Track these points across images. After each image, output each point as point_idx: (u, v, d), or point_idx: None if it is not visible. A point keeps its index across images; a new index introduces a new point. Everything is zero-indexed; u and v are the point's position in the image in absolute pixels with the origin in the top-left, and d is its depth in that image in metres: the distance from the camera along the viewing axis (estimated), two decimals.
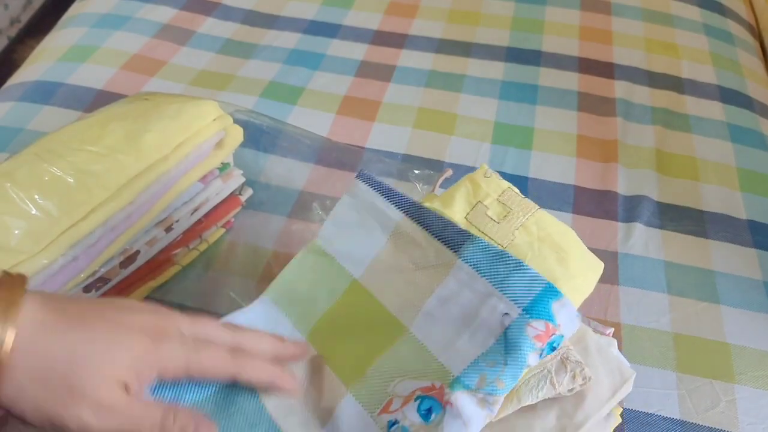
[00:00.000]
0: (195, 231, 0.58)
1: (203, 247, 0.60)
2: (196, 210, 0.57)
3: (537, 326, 0.31)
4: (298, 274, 0.39)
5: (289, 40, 0.86)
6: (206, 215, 0.59)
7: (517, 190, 0.42)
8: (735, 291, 0.60)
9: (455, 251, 0.34)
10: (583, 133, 0.75)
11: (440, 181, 0.66)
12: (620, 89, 0.81)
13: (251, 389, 0.35)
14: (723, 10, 0.98)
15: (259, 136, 0.70)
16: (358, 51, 0.85)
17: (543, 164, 0.70)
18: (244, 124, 0.61)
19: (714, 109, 0.79)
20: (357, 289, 0.36)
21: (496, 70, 0.83)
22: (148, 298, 0.56)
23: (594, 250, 0.62)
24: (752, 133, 0.77)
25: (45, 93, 0.76)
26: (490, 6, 0.94)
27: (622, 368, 0.41)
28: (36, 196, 0.46)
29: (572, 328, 0.34)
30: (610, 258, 0.62)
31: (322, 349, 0.35)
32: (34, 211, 0.46)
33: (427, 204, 0.39)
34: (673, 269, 0.61)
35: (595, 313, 0.57)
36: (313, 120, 0.74)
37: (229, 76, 0.80)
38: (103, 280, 0.52)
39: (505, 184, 0.41)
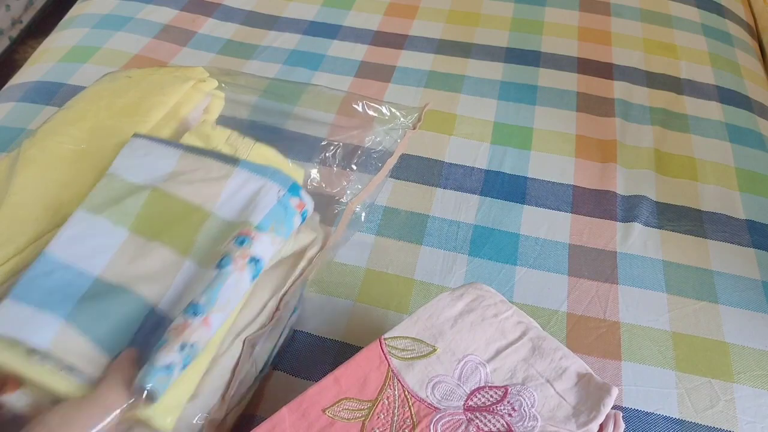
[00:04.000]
0: None
1: None
2: None
3: (294, 201, 0.49)
4: (101, 194, 0.49)
5: (289, 40, 0.87)
6: None
7: (237, 133, 0.55)
8: (733, 290, 0.60)
9: (232, 165, 0.50)
10: (582, 134, 0.75)
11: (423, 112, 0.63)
12: (619, 90, 0.81)
13: None
14: (722, 11, 0.98)
15: (260, 136, 0.70)
16: (358, 52, 0.85)
17: (542, 164, 0.71)
18: (245, 124, 0.62)
19: (712, 110, 0.79)
20: (159, 193, 0.49)
21: (495, 70, 0.83)
22: None
23: (593, 250, 0.63)
24: (750, 134, 0.77)
25: (46, 93, 0.76)
26: (489, 7, 0.95)
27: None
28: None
29: (311, 206, 0.51)
30: (609, 258, 0.62)
31: (150, 234, 0.47)
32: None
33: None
34: (671, 269, 0.61)
35: (594, 312, 0.58)
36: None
37: None
38: None
39: (228, 131, 0.55)
